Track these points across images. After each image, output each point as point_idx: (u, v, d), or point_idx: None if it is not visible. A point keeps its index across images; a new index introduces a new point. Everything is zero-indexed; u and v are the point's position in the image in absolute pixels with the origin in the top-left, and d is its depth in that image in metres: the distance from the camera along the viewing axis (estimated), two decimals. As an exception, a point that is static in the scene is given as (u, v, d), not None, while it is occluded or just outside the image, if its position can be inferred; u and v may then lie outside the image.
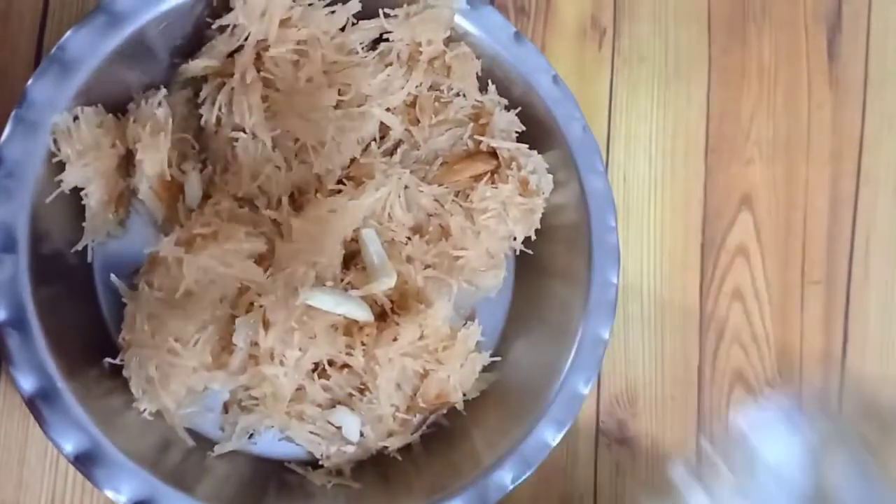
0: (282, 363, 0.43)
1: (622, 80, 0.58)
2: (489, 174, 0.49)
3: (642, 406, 0.56)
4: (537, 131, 0.50)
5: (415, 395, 0.47)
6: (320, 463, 0.47)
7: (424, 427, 0.49)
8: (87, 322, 0.45)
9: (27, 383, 0.40)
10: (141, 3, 0.43)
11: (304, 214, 0.44)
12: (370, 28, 0.47)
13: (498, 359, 0.50)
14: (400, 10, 0.47)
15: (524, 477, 0.46)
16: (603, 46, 0.58)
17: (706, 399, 0.58)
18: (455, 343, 0.46)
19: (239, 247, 0.42)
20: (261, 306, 0.43)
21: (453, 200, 0.49)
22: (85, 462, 0.40)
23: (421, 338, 0.46)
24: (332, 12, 0.46)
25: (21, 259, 0.41)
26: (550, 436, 0.47)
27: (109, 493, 0.40)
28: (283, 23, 0.45)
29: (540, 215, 0.50)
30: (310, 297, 0.43)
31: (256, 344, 0.43)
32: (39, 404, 0.40)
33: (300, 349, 0.43)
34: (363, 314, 0.45)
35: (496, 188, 0.48)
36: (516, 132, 0.50)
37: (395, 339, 0.45)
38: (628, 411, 0.56)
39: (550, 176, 0.50)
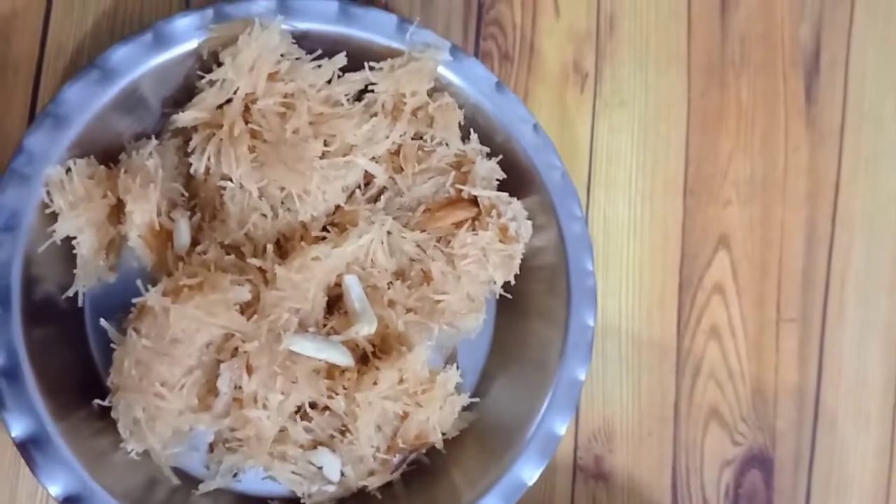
0: (265, 406, 0.45)
1: (603, 123, 0.60)
2: (470, 221, 0.50)
3: (619, 441, 0.58)
4: (518, 178, 0.52)
5: (395, 435, 0.49)
6: (302, 502, 0.49)
7: (404, 466, 0.50)
8: (77, 364, 0.47)
9: (18, 428, 0.41)
10: (133, 59, 0.45)
11: (288, 262, 0.46)
12: (355, 80, 0.49)
13: (476, 400, 0.52)
14: (385, 63, 0.49)
15: None
16: (585, 90, 0.59)
17: (682, 434, 0.59)
18: (434, 386, 0.48)
19: (224, 297, 0.43)
20: (245, 352, 0.44)
21: (435, 246, 0.50)
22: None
23: (401, 381, 0.47)
24: (319, 66, 0.48)
25: (14, 305, 0.42)
26: (527, 475, 0.49)
27: (97, 534, 0.42)
28: (271, 76, 0.46)
29: (519, 261, 0.51)
30: (292, 343, 0.45)
31: (240, 388, 0.45)
32: (30, 448, 0.42)
33: (283, 393, 0.45)
34: (344, 359, 0.47)
35: (477, 235, 0.50)
36: (497, 179, 0.51)
37: (375, 383, 0.46)
38: (605, 447, 0.58)
39: (530, 222, 0.51)
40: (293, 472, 0.47)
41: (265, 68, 0.46)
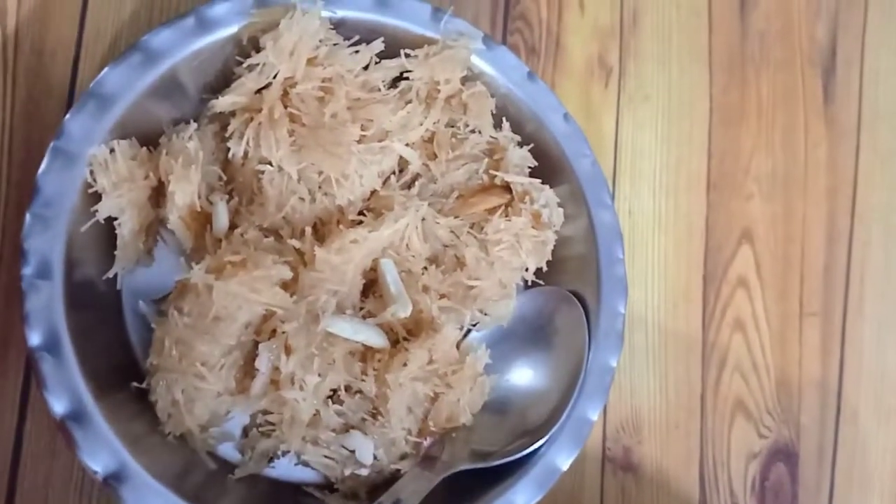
0: (301, 388, 0.45)
1: (628, 118, 0.60)
2: (503, 207, 0.51)
3: (647, 433, 0.58)
4: (548, 166, 0.53)
5: (426, 418, 0.49)
6: (335, 486, 0.49)
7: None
8: (115, 347, 0.47)
9: (60, 406, 0.41)
10: (174, 43, 0.45)
11: (327, 245, 0.46)
12: (392, 67, 0.49)
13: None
14: (420, 50, 0.50)
15: (535, 501, 0.47)
16: (609, 85, 0.60)
17: (709, 426, 0.59)
18: (464, 367, 0.48)
19: (267, 273, 0.43)
20: (283, 332, 0.45)
21: (468, 232, 0.50)
22: (114, 482, 0.41)
23: (430, 362, 0.47)
24: (357, 52, 0.48)
25: (56, 286, 0.42)
26: (561, 461, 0.49)
27: (136, 513, 0.41)
28: (310, 61, 0.47)
29: (551, 247, 0.52)
30: (331, 324, 0.45)
31: (278, 369, 0.45)
32: (71, 426, 0.41)
33: (319, 375, 0.45)
34: (380, 341, 0.47)
35: (510, 221, 0.50)
36: (529, 167, 0.52)
37: (405, 365, 0.46)
38: (633, 438, 0.58)
39: (561, 210, 0.52)
40: (326, 457, 0.47)
41: (305, 53, 0.46)
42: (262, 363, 0.45)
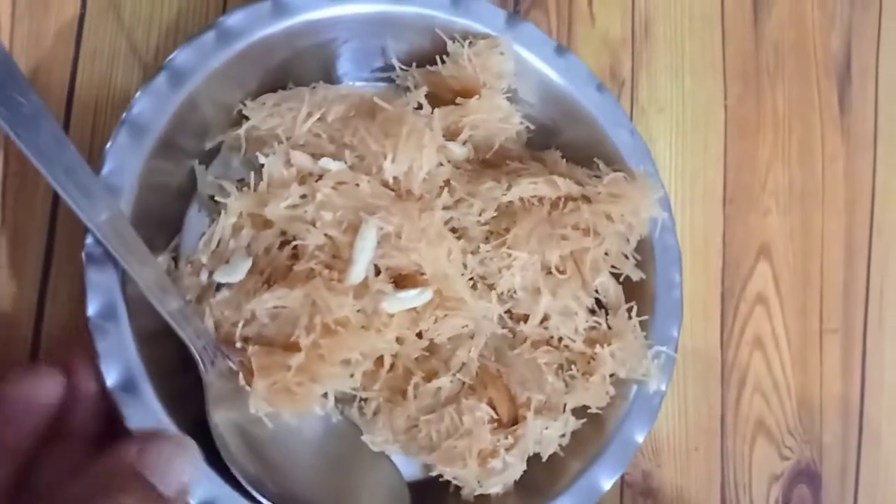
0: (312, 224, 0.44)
1: (641, 130, 0.58)
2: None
3: (666, 457, 0.56)
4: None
5: None
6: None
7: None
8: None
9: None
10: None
11: (432, 241, 0.45)
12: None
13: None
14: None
15: None
16: (622, 97, 0.59)
17: (730, 448, 0.57)
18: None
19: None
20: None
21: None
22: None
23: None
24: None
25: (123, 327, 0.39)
26: (604, 481, 0.47)
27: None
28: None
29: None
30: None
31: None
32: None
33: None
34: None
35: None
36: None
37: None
38: (653, 462, 0.56)
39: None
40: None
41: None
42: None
